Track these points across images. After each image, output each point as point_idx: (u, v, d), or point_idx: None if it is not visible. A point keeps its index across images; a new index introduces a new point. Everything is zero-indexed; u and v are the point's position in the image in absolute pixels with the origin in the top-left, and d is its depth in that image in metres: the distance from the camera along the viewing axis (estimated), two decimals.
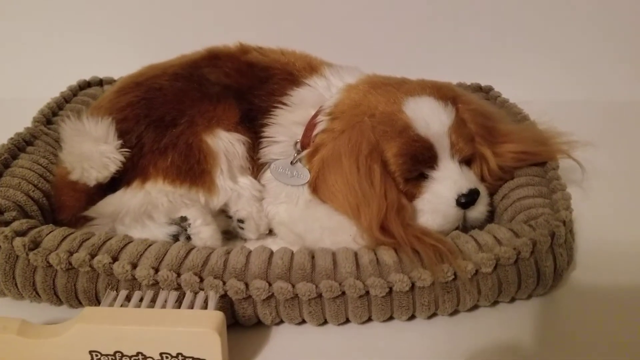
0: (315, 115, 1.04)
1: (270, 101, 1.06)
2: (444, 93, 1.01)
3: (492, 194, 1.06)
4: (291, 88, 1.08)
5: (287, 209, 1.02)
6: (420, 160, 0.95)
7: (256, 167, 1.05)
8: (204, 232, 0.94)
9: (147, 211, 0.94)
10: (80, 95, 1.40)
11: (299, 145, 1.04)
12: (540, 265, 0.89)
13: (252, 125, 1.05)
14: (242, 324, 0.87)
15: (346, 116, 1.00)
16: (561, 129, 1.13)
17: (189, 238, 0.94)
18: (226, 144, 1.00)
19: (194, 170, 0.97)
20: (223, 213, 1.04)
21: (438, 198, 0.96)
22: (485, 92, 1.42)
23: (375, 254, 0.88)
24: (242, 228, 1.03)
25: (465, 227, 0.99)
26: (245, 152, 1.02)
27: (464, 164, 1.00)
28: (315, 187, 0.99)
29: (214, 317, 0.75)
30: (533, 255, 0.88)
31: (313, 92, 1.08)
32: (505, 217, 1.00)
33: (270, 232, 1.07)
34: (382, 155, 0.95)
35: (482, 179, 1.04)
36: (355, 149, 0.94)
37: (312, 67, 1.13)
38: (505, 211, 1.01)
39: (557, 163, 1.06)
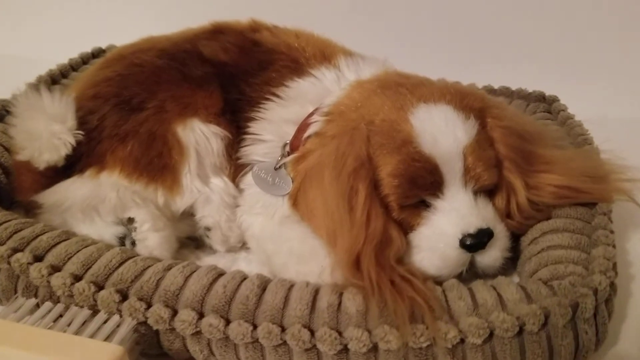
0: (312, 114, 0.89)
1: (262, 91, 0.93)
2: (468, 102, 0.83)
3: (519, 236, 0.86)
4: (291, 78, 0.94)
5: (262, 222, 0.88)
6: (419, 184, 0.78)
7: (234, 167, 0.91)
8: (150, 239, 0.83)
9: (93, 206, 0.83)
10: (92, 65, 1.32)
11: (287, 148, 0.89)
12: (554, 343, 0.70)
13: (236, 118, 0.92)
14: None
15: (342, 119, 0.84)
16: (631, 161, 0.90)
17: (134, 244, 0.83)
18: (199, 137, 0.88)
19: (154, 165, 0.85)
20: (192, 216, 0.91)
21: (438, 235, 0.79)
22: (547, 103, 1.20)
23: (340, 298, 0.72)
24: (209, 237, 0.90)
25: (476, 273, 0.81)
26: (222, 149, 0.90)
27: (482, 194, 0.81)
28: (295, 201, 0.85)
29: (111, 352, 0.63)
30: (545, 329, 0.69)
31: (317, 85, 0.93)
32: (527, 268, 0.81)
33: (245, 246, 0.93)
34: (374, 173, 0.79)
35: (509, 216, 0.85)
36: (340, 163, 0.79)
37: (324, 55, 0.98)
38: (529, 260, 0.82)
39: (609, 207, 0.85)
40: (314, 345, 0.69)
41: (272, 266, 0.83)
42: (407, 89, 0.84)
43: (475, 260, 0.80)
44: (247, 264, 0.88)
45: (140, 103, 0.88)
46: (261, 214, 0.89)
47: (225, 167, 0.91)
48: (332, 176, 0.79)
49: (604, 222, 0.83)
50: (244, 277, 0.76)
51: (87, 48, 1.32)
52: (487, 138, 0.83)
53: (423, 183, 0.78)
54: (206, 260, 0.90)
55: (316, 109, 0.89)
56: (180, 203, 0.88)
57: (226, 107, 0.91)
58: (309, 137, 0.87)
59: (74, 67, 1.28)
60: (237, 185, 0.92)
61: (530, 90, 1.24)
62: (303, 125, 0.89)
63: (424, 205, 0.81)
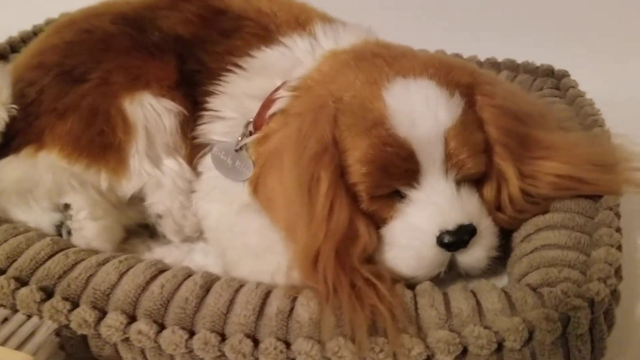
0: (279, 89, 0.78)
1: (224, 62, 0.83)
2: (454, 77, 0.72)
3: (510, 231, 0.76)
4: (258, 47, 0.84)
5: (220, 210, 0.79)
6: (392, 173, 0.68)
7: (190, 148, 0.82)
8: (87, 229, 0.74)
9: (27, 189, 0.75)
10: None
11: (251, 127, 0.80)
12: None
13: (193, 92, 0.82)
14: None
15: (309, 95, 0.74)
16: None
17: (70, 233, 0.74)
18: (149, 113, 0.79)
19: (95, 143, 0.77)
20: (144, 202, 0.83)
21: (412, 231, 0.69)
22: (556, 78, 1.08)
23: (293, 303, 0.63)
24: (161, 226, 0.81)
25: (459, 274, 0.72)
26: (176, 126, 0.81)
27: (467, 184, 0.71)
28: (256, 188, 0.75)
29: None
30: (529, 346, 0.59)
31: (286, 55, 0.83)
32: (516, 270, 0.71)
33: (203, 236, 0.84)
34: (340, 158, 0.69)
35: (499, 208, 0.75)
36: (301, 146, 0.69)
37: (299, 21, 0.88)
38: (519, 261, 0.72)
39: (617, 200, 0.74)
40: (257, 359, 0.60)
41: (225, 262, 0.74)
42: (384, 61, 0.73)
43: (456, 259, 0.70)
44: (204, 257, 0.80)
45: (83, 74, 0.79)
46: (219, 201, 0.79)
47: (181, 147, 0.82)
48: (291, 161, 0.69)
49: (609, 218, 0.72)
50: (188, 275, 0.67)
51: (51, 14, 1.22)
52: (476, 119, 0.72)
53: (396, 171, 0.68)
54: (157, 252, 0.81)
55: (284, 83, 0.79)
56: (127, 187, 0.79)
57: (182, 80, 0.82)
58: (273, 114, 0.77)
59: (24, 39, 1.18)
60: (194, 168, 0.83)
61: (537, 63, 1.12)
62: (268, 101, 0.79)
63: (398, 196, 0.71)
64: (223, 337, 0.62)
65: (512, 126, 0.73)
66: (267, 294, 0.65)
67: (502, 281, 0.74)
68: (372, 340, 0.59)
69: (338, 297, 0.61)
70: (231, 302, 0.64)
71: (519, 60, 1.12)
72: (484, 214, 0.72)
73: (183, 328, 0.62)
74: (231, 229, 0.75)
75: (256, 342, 0.61)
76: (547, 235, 0.72)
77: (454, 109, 0.69)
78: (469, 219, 0.68)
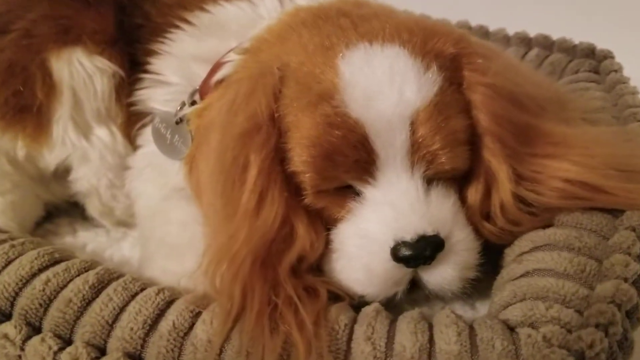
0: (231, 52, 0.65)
1: (173, 16, 0.70)
2: (435, 46, 0.58)
3: (501, 246, 0.61)
4: (216, 1, 0.70)
5: (151, 193, 0.67)
6: (338, 162, 0.54)
7: (127, 116, 0.69)
8: None
9: None
10: None
11: (197, 96, 0.67)
12: None
13: (133, 50, 0.69)
14: None
15: (254, 59, 0.61)
16: None
17: None
18: (78, 72, 0.68)
19: (9, 105, 0.66)
20: None
21: (362, 238, 0.55)
22: (596, 60, 0.90)
23: (195, 318, 0.50)
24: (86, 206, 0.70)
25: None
26: (110, 90, 0.69)
27: (441, 184, 0.56)
28: (190, 169, 0.63)
29: None
30: None
31: (246, 12, 0.71)
32: (498, 299, 0.55)
33: None
34: (279, 139, 0.55)
35: (488, 217, 0.60)
36: (229, 122, 0.55)
37: None
38: (503, 286, 0.56)
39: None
40: None
41: (140, 256, 0.62)
42: (351, 22, 0.59)
43: (421, 277, 0.56)
44: (132, 248, 0.68)
45: (5, 24, 0.68)
46: (151, 182, 0.67)
47: (116, 115, 0.70)
48: (217, 140, 0.56)
49: (628, 241, 0.55)
50: (85, 270, 0.56)
51: None
52: (459, 101, 0.57)
53: (344, 161, 0.54)
54: (81, 236, 0.70)
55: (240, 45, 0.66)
56: (49, 158, 0.68)
57: (120, 35, 0.69)
58: (219, 81, 0.64)
59: None
60: (133, 142, 0.71)
61: (576, 41, 0.93)
62: (217, 66, 0.66)
63: (352, 192, 0.56)
64: (103, 353, 0.50)
65: (507, 112, 0.57)
66: (169, 304, 0.52)
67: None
68: None
69: (249, 318, 0.48)
70: (122, 309, 0.52)
71: (554, 36, 0.94)
72: (459, 223, 0.56)
73: (58, 336, 0.51)
74: (154, 217, 0.63)
75: None
76: (544, 257, 0.56)
77: (428, 86, 0.54)
78: (434, 229, 0.53)
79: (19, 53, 0.66)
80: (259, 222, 0.53)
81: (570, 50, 0.93)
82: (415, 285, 0.58)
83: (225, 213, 0.54)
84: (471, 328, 0.50)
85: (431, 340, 0.49)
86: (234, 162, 0.54)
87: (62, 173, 0.71)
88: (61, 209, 0.74)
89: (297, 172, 0.56)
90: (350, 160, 0.54)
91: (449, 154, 0.55)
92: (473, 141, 0.58)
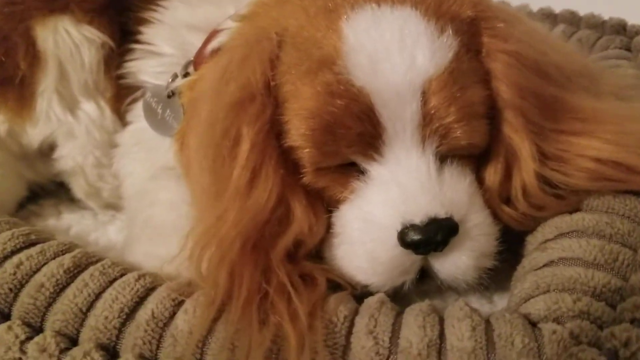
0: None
1: None
2: (451, 8, 0.51)
3: (526, 234, 0.55)
4: None
5: (139, 173, 0.62)
6: (340, 136, 0.49)
7: (116, 90, 0.65)
8: None
9: None
10: None
11: (191, 67, 0.62)
12: None
13: (124, 19, 0.64)
14: None
15: (251, 25, 0.55)
16: None
17: None
18: (65, 42, 0.63)
19: None
20: None
21: (366, 221, 0.49)
22: (628, 36, 0.84)
23: (177, 307, 0.45)
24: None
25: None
26: (99, 61, 0.64)
27: (455, 161, 0.50)
28: (181, 146, 0.57)
29: None
30: None
31: None
32: (518, 291, 0.49)
33: None
34: (276, 110, 0.50)
35: (508, 201, 0.54)
36: (220, 92, 0.50)
37: None
38: (524, 276, 0.50)
39: None
40: None
41: (124, 240, 0.57)
42: None
43: (432, 266, 0.50)
44: (119, 232, 0.63)
45: None
46: (141, 162, 0.62)
47: (105, 89, 0.65)
48: (207, 111, 0.51)
49: None
50: (62, 253, 0.51)
51: None
52: (477, 69, 0.51)
53: (346, 135, 0.48)
54: (66, 218, 0.66)
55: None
56: (33, 134, 0.64)
57: (111, 2, 0.64)
58: (214, 51, 0.59)
59: None
60: (123, 117, 0.66)
61: (605, 17, 0.86)
62: (212, 35, 0.61)
63: (355, 170, 0.51)
64: (75, 344, 0.45)
65: (531, 83, 0.51)
66: (149, 292, 0.47)
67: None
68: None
69: (232, 307, 0.43)
70: (97, 296, 0.47)
71: (582, 11, 0.87)
72: (475, 206, 0.50)
73: (27, 324, 0.46)
74: (140, 197, 0.58)
75: (113, 357, 0.44)
76: (570, 244, 0.50)
77: (442, 52, 0.48)
78: (446, 211, 0.47)
79: (1, 21, 0.62)
80: (250, 201, 0.48)
81: (599, 26, 0.87)
82: (425, 274, 0.52)
83: (214, 191, 0.49)
84: (487, 323, 0.44)
85: (442, 335, 0.43)
86: (225, 135, 0.49)
87: (47, 150, 0.66)
88: (47, 190, 0.69)
89: (294, 148, 0.50)
90: (353, 133, 0.48)
91: (464, 128, 0.49)
92: (492, 116, 0.52)
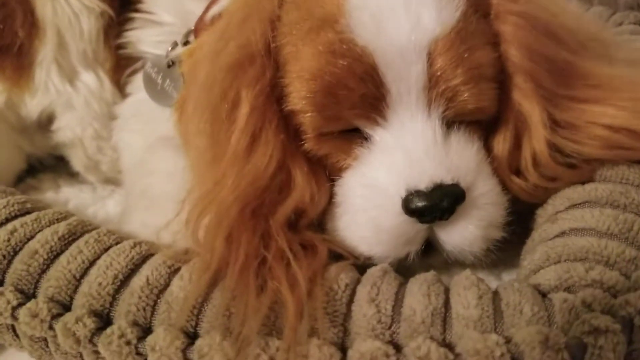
0: None
1: None
2: None
3: (535, 207, 0.53)
4: None
5: (138, 144, 0.60)
6: (343, 98, 0.47)
7: (116, 60, 0.63)
8: None
9: None
10: None
11: (191, 37, 0.60)
12: None
13: None
14: None
15: None
16: None
17: None
18: (64, 11, 0.62)
19: None
20: None
21: (369, 188, 0.47)
22: None
23: (172, 275, 0.44)
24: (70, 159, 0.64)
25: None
26: (98, 31, 0.63)
27: (463, 128, 0.49)
28: (180, 115, 0.56)
29: None
30: None
31: None
32: (527, 263, 0.48)
33: None
34: (276, 73, 0.48)
35: (518, 172, 0.52)
36: (218, 53, 0.48)
37: None
38: (534, 248, 0.48)
39: None
40: (95, 350, 0.41)
41: (121, 211, 0.56)
42: None
43: (438, 236, 0.48)
44: (117, 206, 0.62)
45: None
46: (138, 133, 0.61)
47: (104, 60, 0.63)
48: (205, 73, 0.49)
49: None
50: (57, 221, 0.50)
51: None
52: (485, 32, 0.49)
53: (349, 97, 0.46)
54: (64, 192, 0.65)
55: None
56: (31, 105, 0.62)
57: None
58: (216, 17, 0.57)
59: None
60: (123, 89, 0.65)
61: None
62: (213, 1, 0.59)
63: (358, 136, 0.49)
64: (68, 310, 0.44)
65: (543, 47, 0.49)
66: (144, 259, 0.46)
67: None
68: (263, 343, 0.39)
69: (228, 272, 0.41)
70: (92, 263, 0.46)
71: None
72: (483, 174, 0.48)
73: (20, 291, 0.45)
74: (137, 167, 0.57)
75: (107, 324, 0.43)
76: (583, 214, 0.48)
77: (449, 11, 0.46)
78: (453, 177, 0.45)
79: None
80: (249, 166, 0.46)
81: (612, 2, 0.84)
82: (431, 247, 0.50)
83: (212, 156, 0.47)
84: (495, 292, 0.43)
85: (447, 304, 0.42)
86: (223, 98, 0.47)
87: (45, 122, 0.65)
88: (46, 165, 0.68)
89: (295, 112, 0.48)
90: (356, 95, 0.46)
91: (472, 90, 0.47)
92: (501, 81, 0.50)
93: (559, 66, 0.50)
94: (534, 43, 0.49)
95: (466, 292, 0.41)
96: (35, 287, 0.46)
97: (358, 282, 0.44)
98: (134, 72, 0.64)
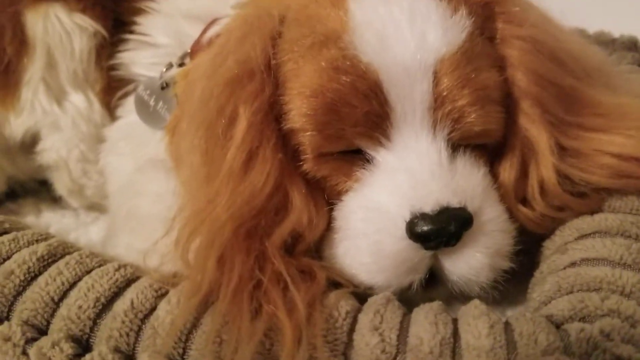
0: None
1: None
2: None
3: (542, 238, 0.51)
4: None
5: (126, 167, 0.58)
6: (345, 116, 0.45)
7: (107, 82, 0.61)
8: None
9: None
10: None
11: (187, 59, 0.59)
12: None
13: (119, 8, 0.61)
14: None
15: (253, 6, 0.52)
16: None
17: None
18: (56, 29, 0.61)
19: None
20: None
21: (371, 211, 0.45)
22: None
23: (158, 299, 0.41)
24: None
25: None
26: (90, 51, 0.61)
27: (469, 151, 0.47)
28: (172, 136, 0.54)
29: None
30: None
31: None
32: (537, 294, 0.46)
33: None
34: (275, 90, 0.46)
35: (524, 200, 0.50)
36: (216, 67, 0.47)
37: None
38: (544, 280, 0.46)
39: None
40: None
41: (106, 234, 0.53)
42: None
43: (443, 265, 0.46)
44: (100, 232, 0.59)
45: None
46: (127, 156, 0.58)
47: (95, 81, 0.62)
48: (201, 88, 0.47)
49: None
50: (35, 242, 0.47)
51: None
52: (491, 55, 0.48)
53: (351, 114, 0.45)
54: (45, 217, 0.62)
55: None
56: (15, 124, 0.60)
57: None
58: (214, 38, 0.56)
59: None
60: (113, 112, 0.63)
61: (616, 34, 0.84)
62: (211, 24, 0.58)
63: (360, 158, 0.47)
64: (43, 334, 0.40)
65: (549, 72, 0.48)
66: (129, 283, 0.43)
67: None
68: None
69: (220, 294, 0.39)
70: (72, 285, 0.42)
71: (591, 30, 0.85)
72: (490, 199, 0.47)
73: None
74: (125, 190, 0.54)
75: (85, 350, 0.39)
76: (594, 244, 0.46)
77: (455, 31, 0.45)
78: (459, 200, 0.43)
79: None
80: (245, 184, 0.44)
81: (609, 43, 0.84)
82: (434, 279, 0.48)
83: (206, 173, 0.45)
84: (506, 323, 0.40)
85: (455, 334, 0.39)
86: (220, 113, 0.45)
87: (30, 143, 0.62)
88: (27, 189, 0.65)
89: (295, 130, 0.46)
90: (359, 112, 0.44)
91: (479, 112, 0.45)
92: (507, 106, 0.49)
93: (565, 92, 0.49)
94: (540, 68, 0.48)
95: (476, 322, 0.39)
96: (10, 310, 0.42)
97: (359, 310, 0.42)
98: (126, 94, 0.63)
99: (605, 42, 0.85)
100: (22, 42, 0.59)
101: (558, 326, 0.40)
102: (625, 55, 0.81)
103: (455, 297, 0.49)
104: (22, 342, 0.39)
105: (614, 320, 0.38)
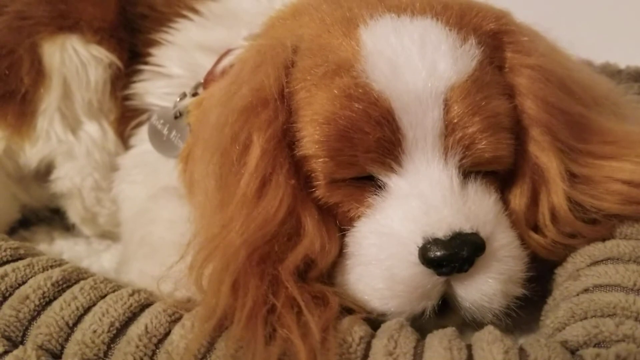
0: None
1: (180, 5, 0.64)
2: (472, 20, 0.50)
3: (553, 265, 0.52)
4: None
5: (139, 195, 0.58)
6: (358, 143, 0.46)
7: (121, 112, 0.63)
8: None
9: None
10: None
11: (200, 89, 0.60)
12: None
13: (134, 40, 0.63)
14: None
15: (266, 37, 0.54)
16: None
17: None
18: (72, 60, 0.63)
19: None
20: None
21: (384, 237, 0.46)
22: None
23: (173, 324, 0.41)
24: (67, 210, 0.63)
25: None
26: (105, 81, 0.63)
27: (480, 178, 0.48)
28: (185, 165, 0.55)
29: None
30: None
31: (262, 2, 0.64)
32: (551, 321, 0.45)
33: None
34: (289, 118, 0.47)
35: (536, 228, 0.51)
36: (230, 95, 0.48)
37: None
38: (557, 306, 0.46)
39: None
40: None
41: (119, 261, 0.54)
42: None
43: (455, 292, 0.46)
44: (113, 260, 0.59)
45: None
46: (140, 184, 0.59)
47: (109, 110, 0.63)
48: (216, 115, 0.48)
49: None
50: (49, 268, 0.47)
51: None
52: (501, 84, 0.49)
53: (363, 140, 0.45)
54: (58, 245, 0.63)
55: None
56: (31, 153, 0.62)
57: (121, 23, 0.64)
58: (228, 69, 0.57)
59: None
60: (126, 141, 0.64)
61: (622, 65, 0.85)
62: (224, 55, 0.59)
63: (372, 184, 0.48)
64: (57, 358, 0.41)
65: (558, 100, 0.49)
66: (143, 308, 0.43)
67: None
68: None
69: (235, 319, 0.39)
70: (87, 310, 0.43)
71: (597, 61, 0.87)
72: (502, 225, 0.47)
73: (6, 337, 0.42)
74: (138, 217, 0.55)
75: None
76: (606, 270, 0.47)
77: (465, 60, 0.47)
78: (472, 225, 0.44)
79: (8, 35, 0.61)
80: (258, 210, 0.44)
81: (615, 74, 0.86)
82: (446, 307, 0.48)
83: (220, 199, 0.45)
84: (520, 349, 0.40)
85: (470, 359, 0.39)
86: (234, 140, 0.46)
87: (44, 172, 0.64)
88: (40, 217, 0.66)
89: (307, 157, 0.47)
90: (371, 139, 0.45)
91: (489, 139, 0.46)
92: (517, 133, 0.50)
93: (574, 120, 0.50)
94: (549, 96, 0.49)
95: (491, 347, 0.39)
96: (24, 334, 0.43)
97: (372, 335, 0.42)
98: (139, 124, 0.64)
99: (612, 73, 0.86)
100: (39, 73, 0.61)
101: (573, 352, 0.40)
102: (631, 86, 0.82)
103: (467, 325, 0.49)
104: None
105: (630, 345, 0.38)
